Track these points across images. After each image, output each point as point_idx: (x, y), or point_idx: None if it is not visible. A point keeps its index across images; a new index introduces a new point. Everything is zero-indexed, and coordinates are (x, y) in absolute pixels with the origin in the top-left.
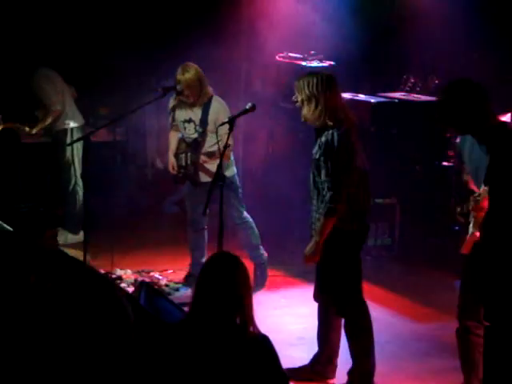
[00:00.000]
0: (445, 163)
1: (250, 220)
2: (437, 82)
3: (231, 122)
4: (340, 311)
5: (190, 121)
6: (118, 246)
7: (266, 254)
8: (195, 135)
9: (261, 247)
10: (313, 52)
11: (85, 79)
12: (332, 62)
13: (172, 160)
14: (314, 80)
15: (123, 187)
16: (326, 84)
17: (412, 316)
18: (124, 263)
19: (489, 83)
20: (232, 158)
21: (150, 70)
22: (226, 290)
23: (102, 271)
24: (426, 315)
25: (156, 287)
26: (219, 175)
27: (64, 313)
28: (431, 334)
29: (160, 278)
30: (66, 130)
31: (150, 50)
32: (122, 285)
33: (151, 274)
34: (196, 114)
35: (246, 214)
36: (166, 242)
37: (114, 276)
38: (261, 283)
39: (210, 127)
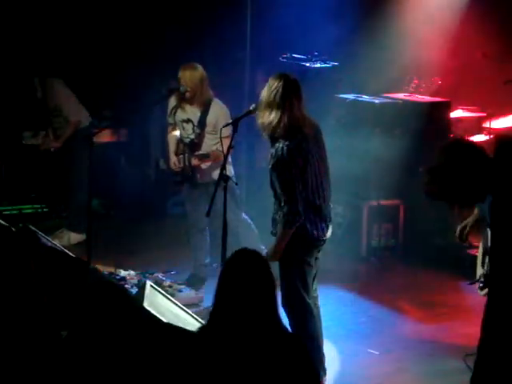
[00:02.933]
0: None
1: (249, 221)
2: (440, 82)
3: (235, 123)
4: (284, 305)
5: (188, 121)
6: (122, 247)
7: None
8: (192, 136)
9: (259, 246)
10: (316, 53)
11: (89, 81)
12: (336, 63)
13: (174, 159)
14: (275, 84)
15: (127, 188)
16: (285, 91)
17: (416, 317)
18: (127, 264)
19: (491, 83)
20: (230, 159)
21: (154, 71)
22: (254, 287)
23: (106, 272)
24: (429, 316)
25: (159, 288)
26: (223, 176)
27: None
28: (435, 335)
29: (163, 278)
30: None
31: (153, 52)
32: (126, 286)
33: (155, 274)
34: (195, 114)
35: (243, 215)
36: (169, 243)
37: (117, 277)
38: None
39: (208, 129)
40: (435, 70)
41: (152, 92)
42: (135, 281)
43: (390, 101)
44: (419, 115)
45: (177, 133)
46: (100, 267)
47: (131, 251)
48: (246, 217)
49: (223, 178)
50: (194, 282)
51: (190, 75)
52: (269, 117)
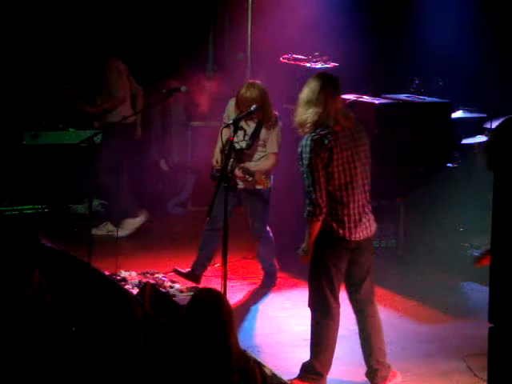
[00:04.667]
0: (449, 164)
1: (270, 236)
2: (441, 83)
3: (235, 123)
4: (309, 304)
5: (240, 128)
6: (123, 248)
7: (276, 267)
8: (243, 145)
9: (273, 260)
10: (317, 53)
11: (90, 81)
12: (336, 64)
13: (217, 156)
14: (313, 83)
15: (127, 188)
16: (321, 89)
17: (416, 317)
18: (128, 265)
19: (493, 85)
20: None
21: (155, 71)
22: (211, 331)
23: (107, 273)
24: (430, 316)
25: (161, 289)
26: (224, 176)
27: (69, 312)
28: (436, 335)
29: (165, 279)
30: (113, 123)
31: (153, 52)
32: (127, 286)
33: (156, 275)
34: (249, 125)
35: (267, 228)
36: (170, 243)
37: (118, 277)
38: (266, 287)
39: (260, 142)
40: (436, 70)
41: (152, 92)
42: (136, 281)
43: (391, 101)
44: (420, 116)
45: (228, 131)
46: (101, 267)
47: (132, 251)
48: (269, 230)
49: (224, 178)
50: (190, 278)
51: (250, 97)
52: (305, 114)
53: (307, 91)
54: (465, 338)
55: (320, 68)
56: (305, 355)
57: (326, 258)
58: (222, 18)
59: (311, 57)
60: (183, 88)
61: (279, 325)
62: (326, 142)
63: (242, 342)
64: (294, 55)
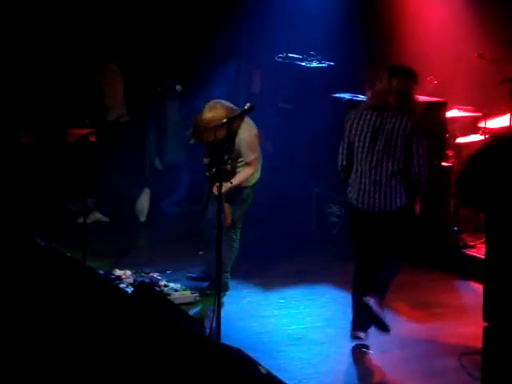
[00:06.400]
0: (444, 163)
1: (236, 246)
2: (435, 82)
3: (229, 122)
4: None
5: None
6: (117, 246)
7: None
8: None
9: (226, 276)
10: (312, 52)
11: (84, 81)
12: (331, 63)
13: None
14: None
15: (122, 187)
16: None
17: (411, 317)
18: (123, 263)
19: (488, 84)
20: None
21: (151, 70)
22: None
23: (101, 272)
24: (424, 316)
25: (155, 288)
26: (220, 173)
27: (64, 312)
28: (430, 334)
29: (159, 278)
30: (114, 123)
31: (149, 51)
32: (121, 285)
33: (150, 274)
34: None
35: (238, 232)
36: (165, 242)
37: (113, 276)
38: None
39: (235, 155)
40: (431, 69)
41: (148, 90)
42: (130, 280)
43: None
44: None
45: None
46: (95, 266)
47: (127, 250)
48: (238, 237)
49: (223, 175)
50: (207, 280)
51: (209, 119)
52: None
53: None
54: (460, 337)
55: (315, 67)
56: (300, 354)
57: (351, 220)
58: (218, 16)
59: (306, 56)
60: (178, 87)
61: (273, 324)
62: (350, 115)
63: (237, 340)
64: (289, 54)
